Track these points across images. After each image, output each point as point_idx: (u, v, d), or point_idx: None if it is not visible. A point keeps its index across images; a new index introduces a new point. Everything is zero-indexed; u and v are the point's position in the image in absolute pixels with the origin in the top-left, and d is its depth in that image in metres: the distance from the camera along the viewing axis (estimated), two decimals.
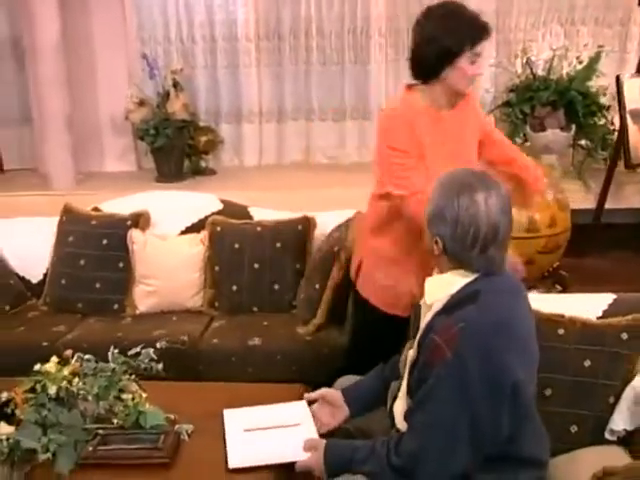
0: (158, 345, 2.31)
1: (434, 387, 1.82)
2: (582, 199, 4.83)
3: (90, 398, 2.13)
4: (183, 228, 3.65)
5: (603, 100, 4.93)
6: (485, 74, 4.88)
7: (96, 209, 3.76)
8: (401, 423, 1.97)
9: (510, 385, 1.78)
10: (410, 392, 1.95)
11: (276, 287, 3.42)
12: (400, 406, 2.01)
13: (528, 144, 4.85)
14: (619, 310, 2.30)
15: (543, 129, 4.79)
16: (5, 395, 2.13)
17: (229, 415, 2.26)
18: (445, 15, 2.44)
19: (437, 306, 1.92)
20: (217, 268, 3.47)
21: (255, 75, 5.58)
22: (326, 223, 3.47)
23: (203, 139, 5.46)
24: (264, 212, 3.70)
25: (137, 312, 3.47)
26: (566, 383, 2.17)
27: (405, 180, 2.45)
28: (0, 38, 5.55)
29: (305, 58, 5.57)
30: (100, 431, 2.12)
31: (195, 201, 3.79)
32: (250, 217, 3.67)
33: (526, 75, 4.97)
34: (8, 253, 3.69)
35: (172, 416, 2.22)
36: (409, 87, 2.58)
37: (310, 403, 2.27)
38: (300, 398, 2.30)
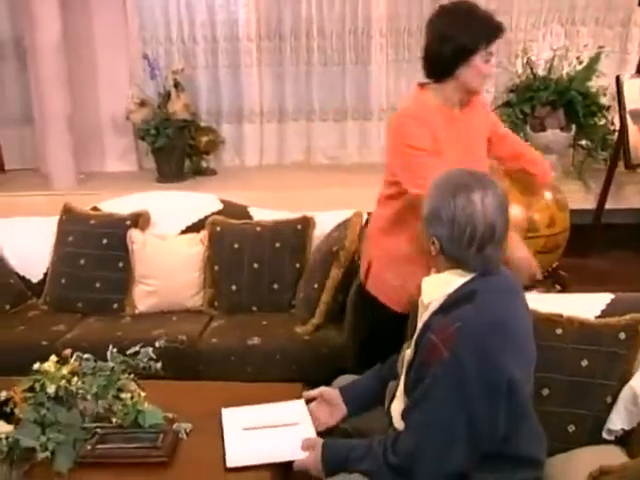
0: (157, 344, 2.31)
1: (431, 386, 1.83)
2: (582, 199, 4.84)
3: (89, 397, 2.15)
4: (183, 228, 3.65)
5: (604, 100, 4.93)
6: None
7: (96, 209, 3.77)
8: (398, 422, 1.97)
9: (506, 384, 1.78)
10: (407, 391, 1.95)
11: (275, 287, 3.42)
12: (398, 406, 2.01)
13: (528, 144, 4.84)
14: (617, 310, 2.30)
15: (543, 129, 4.79)
16: (4, 394, 2.15)
17: (227, 414, 2.27)
18: (460, 14, 2.46)
19: (434, 305, 1.92)
20: (217, 268, 3.48)
21: (256, 75, 5.60)
22: (325, 223, 3.47)
23: (204, 139, 5.47)
24: (264, 212, 3.70)
25: (137, 312, 3.47)
26: (563, 383, 2.17)
27: (424, 179, 2.44)
28: (2, 38, 5.57)
29: (306, 58, 5.59)
30: (99, 430, 2.13)
31: (195, 201, 3.80)
32: (250, 217, 3.67)
33: (526, 75, 4.97)
34: (8, 253, 3.70)
35: (171, 415, 2.23)
36: (421, 86, 2.59)
37: (308, 401, 2.28)
38: (298, 397, 2.31)
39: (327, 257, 3.21)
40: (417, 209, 2.47)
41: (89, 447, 2.07)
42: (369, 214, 3.52)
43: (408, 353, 2.00)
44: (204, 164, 5.58)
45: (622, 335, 2.17)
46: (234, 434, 2.15)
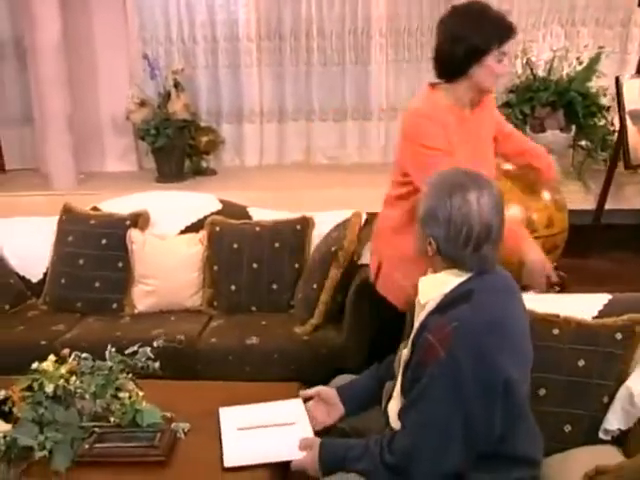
0: (155, 344, 2.33)
1: (428, 386, 1.83)
2: (582, 200, 4.83)
3: (87, 396, 2.16)
4: (182, 228, 3.66)
5: (604, 101, 4.93)
6: None
7: (95, 209, 3.77)
8: (395, 422, 1.98)
9: (502, 384, 1.79)
10: (404, 391, 1.96)
11: (274, 287, 3.43)
12: (395, 405, 2.01)
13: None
14: (614, 310, 2.30)
15: (543, 130, 4.78)
16: (3, 393, 2.16)
17: (225, 413, 2.27)
18: (473, 14, 2.47)
19: (431, 305, 1.93)
20: (216, 268, 3.48)
21: (256, 75, 5.59)
22: (324, 223, 3.48)
23: (204, 139, 5.47)
24: (263, 212, 3.71)
25: (136, 311, 3.48)
26: (560, 383, 2.17)
27: None
28: (2, 38, 5.57)
29: (306, 58, 5.58)
30: (97, 429, 2.14)
31: (194, 201, 3.80)
32: (249, 217, 3.68)
33: (526, 76, 4.96)
34: (8, 252, 3.70)
35: (169, 414, 2.25)
36: (432, 86, 2.60)
37: (306, 400, 2.29)
38: (296, 397, 2.31)
39: (326, 257, 3.22)
40: None
41: (87, 446, 2.08)
42: (369, 214, 3.54)
43: (405, 353, 2.00)
44: (204, 164, 5.58)
45: (619, 335, 2.18)
46: (231, 434, 2.16)
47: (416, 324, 1.98)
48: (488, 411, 1.80)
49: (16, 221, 3.85)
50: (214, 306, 3.48)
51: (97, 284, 3.51)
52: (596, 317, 2.32)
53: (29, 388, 2.14)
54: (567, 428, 2.16)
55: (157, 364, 2.25)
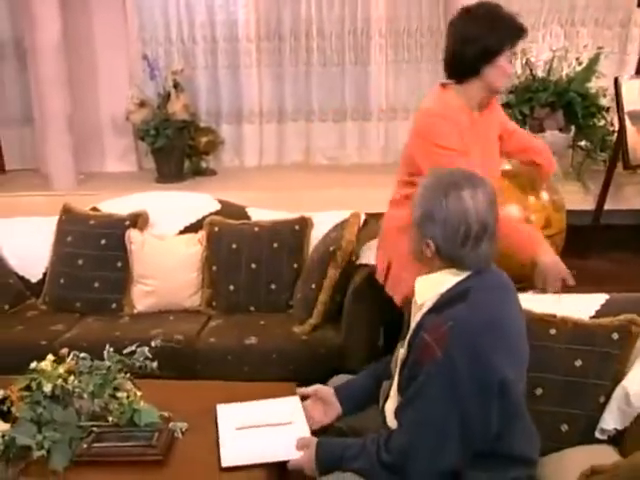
0: (153, 344, 2.33)
1: (424, 385, 1.84)
2: (581, 200, 4.84)
3: (85, 396, 2.16)
4: (181, 228, 3.66)
5: (603, 101, 4.93)
6: None
7: (95, 209, 3.78)
8: (392, 422, 1.98)
9: (498, 383, 1.79)
10: (401, 390, 1.96)
11: (273, 287, 3.43)
12: (392, 405, 2.02)
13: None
14: (611, 310, 2.31)
15: (542, 130, 4.78)
16: (1, 393, 2.16)
17: (222, 411, 2.28)
18: (485, 14, 2.49)
19: (427, 305, 1.94)
20: (214, 268, 3.49)
21: (255, 76, 5.60)
22: (323, 223, 3.48)
23: (203, 140, 5.48)
24: (261, 212, 3.71)
25: (135, 311, 3.48)
26: (557, 382, 2.18)
27: None
28: (2, 38, 5.58)
29: (305, 59, 5.59)
30: (95, 428, 2.14)
31: (193, 201, 3.80)
32: (248, 217, 3.68)
33: (525, 76, 4.97)
34: (8, 253, 3.71)
35: (167, 414, 2.25)
36: (443, 86, 2.61)
37: (303, 399, 2.29)
38: (294, 395, 2.32)
39: (324, 257, 3.22)
40: None
41: (85, 446, 2.08)
42: (368, 215, 3.54)
43: (401, 352, 2.01)
44: (204, 164, 5.59)
45: (615, 335, 2.18)
46: (229, 433, 2.16)
47: (413, 324, 1.99)
48: (484, 410, 1.81)
49: (16, 221, 3.86)
50: (213, 306, 3.48)
51: (96, 284, 3.51)
52: (593, 317, 2.33)
53: (27, 388, 2.14)
54: (564, 427, 2.16)
55: (155, 364, 2.26)
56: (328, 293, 3.18)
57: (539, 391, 2.18)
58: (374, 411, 2.17)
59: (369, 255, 3.21)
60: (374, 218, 3.50)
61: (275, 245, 3.46)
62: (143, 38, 5.54)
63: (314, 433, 2.12)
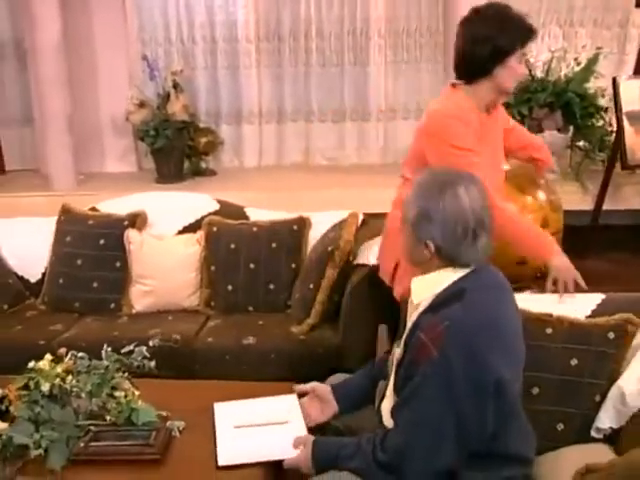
0: (151, 343, 2.34)
1: (420, 385, 1.84)
2: (580, 200, 4.84)
3: (83, 395, 2.17)
4: (180, 228, 3.67)
5: (602, 102, 4.94)
6: None
7: (94, 209, 3.79)
8: (388, 421, 1.99)
9: (494, 383, 1.80)
10: (397, 390, 1.97)
11: (271, 287, 3.44)
12: (388, 405, 2.02)
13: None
14: (607, 310, 2.32)
15: (541, 130, 4.79)
16: None
17: (219, 409, 2.29)
18: (496, 15, 2.51)
19: (423, 305, 1.94)
20: (213, 268, 3.49)
21: (255, 76, 5.61)
22: (321, 223, 3.49)
23: (203, 140, 5.49)
24: (260, 212, 3.72)
25: (133, 311, 3.49)
26: (553, 382, 2.19)
27: None
28: (2, 39, 5.58)
29: (305, 59, 5.60)
30: (92, 427, 2.15)
31: (192, 201, 3.81)
32: (246, 217, 3.69)
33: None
34: (7, 253, 3.72)
35: (164, 413, 2.25)
36: (453, 86, 2.62)
37: (300, 396, 2.30)
38: (291, 393, 2.33)
39: (322, 257, 3.22)
40: None
41: (82, 444, 2.09)
42: (366, 215, 3.55)
43: (397, 352, 2.01)
44: (203, 165, 5.59)
45: (611, 335, 2.19)
46: (226, 432, 2.17)
47: (409, 324, 1.99)
48: (480, 410, 1.81)
49: (15, 221, 3.87)
50: (211, 306, 3.49)
51: (95, 284, 3.52)
52: (589, 317, 2.34)
53: (25, 387, 2.15)
54: (560, 427, 2.17)
55: (153, 363, 2.26)
56: (326, 293, 3.18)
57: (535, 390, 2.19)
58: (370, 410, 2.17)
59: (367, 255, 3.22)
60: (373, 218, 3.51)
61: (273, 245, 3.46)
62: (143, 38, 5.54)
63: (310, 431, 2.13)
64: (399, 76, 5.60)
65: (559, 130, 4.80)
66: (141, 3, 5.50)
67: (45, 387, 2.11)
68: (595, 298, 2.43)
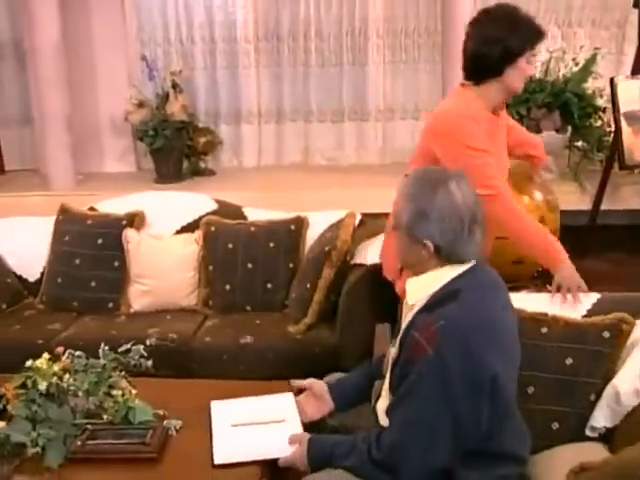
0: (148, 342, 2.35)
1: (415, 384, 1.85)
2: (578, 200, 4.86)
3: (80, 394, 2.18)
4: (178, 228, 3.67)
5: (600, 102, 4.95)
6: None
7: (92, 209, 3.79)
8: (384, 420, 1.99)
9: (489, 382, 1.80)
10: (392, 389, 1.98)
11: (269, 286, 3.44)
12: (383, 404, 2.03)
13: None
14: (603, 309, 2.33)
15: (539, 131, 4.80)
16: None
17: (216, 407, 2.30)
18: (507, 16, 2.52)
19: (419, 304, 1.95)
20: (211, 267, 3.50)
21: (254, 76, 5.63)
22: (319, 223, 3.49)
23: (202, 140, 5.50)
24: (258, 212, 3.73)
25: (132, 311, 3.50)
26: (548, 381, 2.19)
27: (492, 180, 2.50)
28: (1, 39, 5.60)
29: (304, 59, 5.62)
30: (89, 426, 2.16)
31: (190, 201, 3.82)
32: (244, 217, 3.69)
33: None
34: (6, 252, 3.72)
35: (161, 412, 2.26)
36: (462, 86, 2.62)
37: (297, 393, 2.32)
38: (288, 391, 2.34)
39: (319, 257, 3.23)
40: None
41: (79, 443, 2.10)
42: (364, 215, 3.56)
43: (393, 351, 2.02)
44: (202, 165, 5.61)
45: (606, 334, 2.19)
46: (222, 431, 2.18)
47: (404, 323, 2.00)
48: (475, 409, 1.82)
49: (14, 221, 3.87)
50: (209, 305, 3.49)
51: (93, 284, 3.52)
52: (585, 316, 2.35)
53: (23, 386, 2.16)
54: (555, 425, 2.17)
55: (150, 362, 2.27)
56: (323, 293, 3.19)
57: (530, 389, 2.19)
58: (367, 409, 2.18)
59: (364, 255, 3.22)
60: (372, 218, 3.52)
61: (271, 245, 3.47)
62: (142, 39, 5.57)
63: (306, 428, 2.14)
64: (397, 76, 5.62)
65: (557, 130, 4.81)
66: (140, 3, 5.52)
67: (42, 386, 2.12)
68: (591, 298, 2.44)
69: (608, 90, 4.69)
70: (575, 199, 4.81)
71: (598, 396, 2.15)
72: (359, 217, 3.48)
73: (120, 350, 2.28)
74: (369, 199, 4.19)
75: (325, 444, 2.00)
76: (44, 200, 4.75)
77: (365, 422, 2.12)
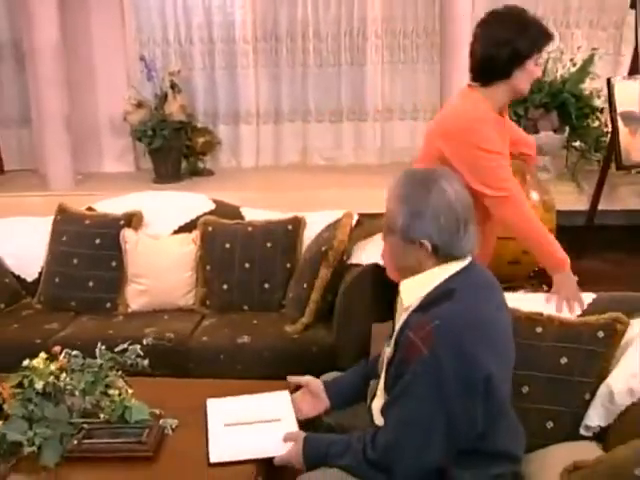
0: (144, 342, 2.35)
1: (410, 383, 1.85)
2: (575, 200, 4.87)
3: (77, 393, 2.17)
4: (175, 228, 3.67)
5: (598, 102, 4.96)
6: None
7: (91, 209, 3.80)
8: (379, 420, 1.99)
9: (483, 382, 1.80)
10: (387, 388, 1.98)
11: (266, 286, 3.45)
12: (378, 403, 2.03)
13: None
14: (598, 309, 2.34)
15: (537, 131, 4.81)
16: None
17: (212, 406, 2.31)
18: (515, 18, 2.53)
19: (413, 305, 1.95)
20: (208, 267, 3.50)
21: (252, 77, 5.65)
22: (316, 223, 3.49)
23: (201, 140, 5.52)
24: (255, 212, 3.73)
25: (129, 310, 3.50)
26: (543, 380, 2.20)
27: (505, 182, 2.52)
28: (0, 39, 5.61)
29: (302, 60, 5.65)
30: (85, 425, 2.16)
31: (188, 201, 3.82)
32: (242, 217, 3.69)
33: None
34: (4, 252, 3.72)
35: (157, 411, 2.26)
36: (470, 87, 2.63)
37: (293, 390, 2.33)
38: (285, 388, 2.36)
39: (316, 257, 3.23)
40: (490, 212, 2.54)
41: (76, 442, 2.10)
42: (362, 215, 3.56)
43: (388, 351, 2.02)
44: (201, 165, 5.62)
45: (601, 333, 2.20)
46: (218, 430, 2.19)
47: (399, 323, 2.00)
48: (470, 409, 1.82)
49: (12, 221, 3.88)
50: (206, 305, 3.50)
51: (91, 283, 3.53)
52: (580, 316, 2.36)
53: (19, 385, 2.16)
54: (549, 424, 2.18)
55: (146, 362, 2.26)
56: (320, 292, 3.19)
57: (525, 389, 2.20)
58: (362, 408, 2.18)
59: (361, 255, 3.23)
60: (370, 218, 3.52)
61: (268, 245, 3.47)
62: (140, 39, 5.59)
63: (302, 426, 2.15)
64: (396, 76, 5.64)
65: (555, 131, 4.83)
66: (139, 4, 5.54)
67: (39, 385, 2.12)
68: (586, 297, 2.46)
69: (605, 91, 4.70)
70: (573, 199, 4.82)
71: (592, 395, 2.16)
72: (356, 217, 3.49)
73: (117, 350, 2.29)
74: (367, 199, 4.19)
75: (320, 443, 2.01)
76: (43, 200, 4.77)
77: (361, 421, 2.12)
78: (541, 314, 2.29)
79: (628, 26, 5.28)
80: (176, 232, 3.67)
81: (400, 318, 2.01)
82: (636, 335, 2.21)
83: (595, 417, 2.14)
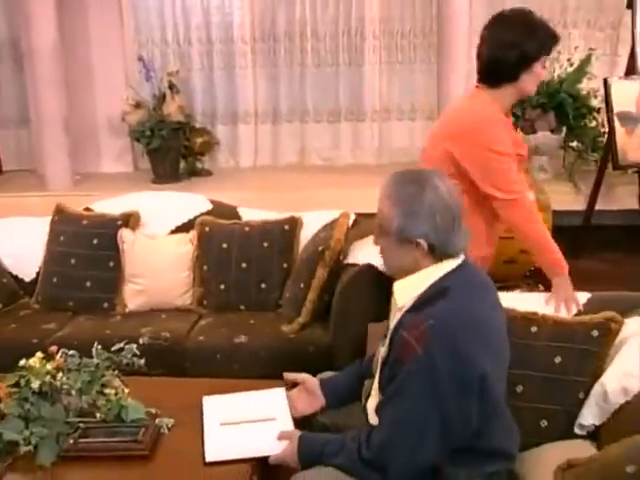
0: (141, 341, 2.35)
1: (405, 382, 1.86)
2: (572, 200, 4.88)
3: (73, 392, 2.18)
4: (173, 228, 3.68)
5: (595, 102, 4.97)
6: None
7: (88, 209, 3.80)
8: (374, 420, 2.00)
9: (478, 381, 1.81)
10: (381, 388, 1.98)
11: (263, 286, 3.45)
12: (373, 403, 2.04)
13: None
14: (593, 308, 2.36)
15: (534, 131, 4.83)
16: None
17: (208, 404, 2.32)
18: (523, 21, 2.53)
19: (407, 305, 1.95)
20: (205, 267, 3.51)
21: (250, 77, 5.66)
22: (313, 223, 3.49)
23: (199, 140, 5.52)
24: (252, 212, 3.74)
25: (127, 310, 3.51)
26: (537, 379, 2.21)
27: (515, 185, 2.53)
28: None
29: (300, 60, 5.65)
30: (82, 424, 2.17)
31: (185, 201, 3.82)
32: (239, 217, 3.70)
33: None
34: (2, 252, 3.72)
35: (153, 410, 2.27)
36: (477, 88, 2.63)
37: (289, 388, 2.34)
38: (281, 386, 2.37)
39: (313, 257, 3.24)
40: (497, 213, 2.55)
41: (72, 441, 2.10)
42: (358, 215, 3.57)
43: (382, 351, 2.03)
44: (199, 165, 5.63)
45: (595, 333, 2.21)
46: (213, 429, 2.19)
47: (393, 323, 2.01)
48: (464, 408, 1.83)
49: (10, 221, 3.88)
50: (204, 305, 3.50)
51: (88, 283, 3.53)
52: (574, 315, 2.37)
53: (16, 384, 2.17)
54: (543, 423, 2.19)
55: (142, 361, 2.27)
56: (316, 292, 3.20)
57: (520, 388, 2.21)
58: (358, 407, 2.19)
59: (357, 254, 3.24)
60: (367, 218, 3.52)
61: (265, 245, 3.48)
62: (139, 40, 5.60)
63: (297, 424, 2.16)
64: (393, 77, 5.65)
65: (552, 131, 4.84)
66: (137, 4, 5.55)
67: (35, 384, 2.13)
68: (581, 297, 2.48)
69: (602, 91, 4.71)
70: (570, 199, 4.83)
71: (586, 394, 2.17)
72: (353, 217, 3.50)
73: (113, 349, 2.30)
74: (365, 199, 4.18)
75: (316, 442, 2.01)
76: (41, 200, 4.77)
77: (356, 421, 2.12)
78: (536, 314, 2.30)
79: (625, 26, 5.28)
80: (173, 232, 3.67)
81: (394, 317, 2.01)
82: (630, 334, 2.22)
83: (589, 416, 2.15)
